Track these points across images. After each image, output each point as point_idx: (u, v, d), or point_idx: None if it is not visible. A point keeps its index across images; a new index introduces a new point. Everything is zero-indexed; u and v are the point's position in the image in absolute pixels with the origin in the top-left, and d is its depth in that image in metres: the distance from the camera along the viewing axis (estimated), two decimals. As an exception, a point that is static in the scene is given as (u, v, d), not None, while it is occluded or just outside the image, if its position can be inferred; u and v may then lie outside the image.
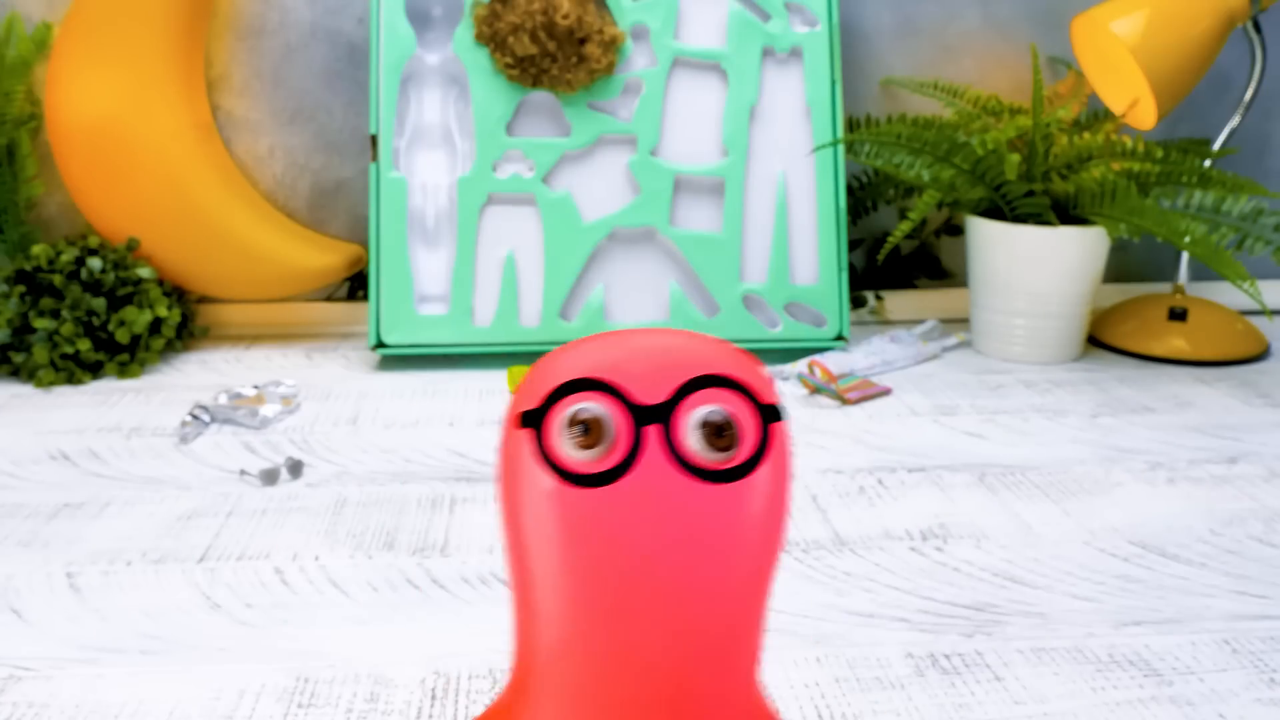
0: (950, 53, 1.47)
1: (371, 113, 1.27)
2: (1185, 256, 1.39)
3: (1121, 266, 1.56)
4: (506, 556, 0.43)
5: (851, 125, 1.45)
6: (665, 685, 0.41)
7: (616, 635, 0.40)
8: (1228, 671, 0.66)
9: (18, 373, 1.22)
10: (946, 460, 1.00)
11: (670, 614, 0.40)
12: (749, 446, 0.41)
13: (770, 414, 0.42)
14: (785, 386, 1.21)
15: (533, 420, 0.41)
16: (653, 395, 0.41)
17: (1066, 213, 1.27)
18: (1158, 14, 1.26)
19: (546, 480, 0.40)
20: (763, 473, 0.41)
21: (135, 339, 1.25)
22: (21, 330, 1.21)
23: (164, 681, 0.65)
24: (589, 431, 0.40)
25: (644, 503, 0.40)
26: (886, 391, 1.19)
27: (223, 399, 1.12)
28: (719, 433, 0.40)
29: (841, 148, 1.32)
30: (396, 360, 1.31)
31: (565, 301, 1.29)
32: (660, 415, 0.40)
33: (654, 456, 0.40)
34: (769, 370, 1.24)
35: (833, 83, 1.33)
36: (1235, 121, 1.36)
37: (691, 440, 0.40)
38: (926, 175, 1.26)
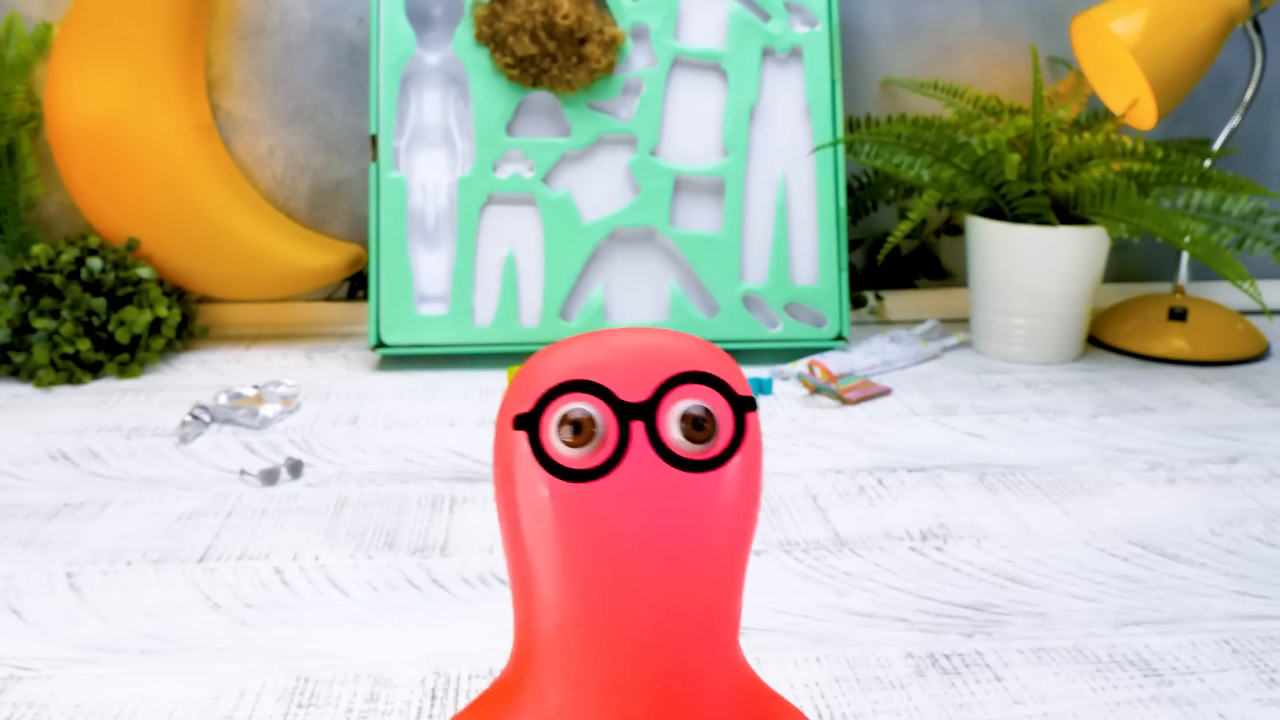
0: (950, 53, 1.47)
1: (371, 113, 1.27)
2: (1185, 256, 1.39)
3: (1121, 266, 1.56)
4: (505, 547, 0.46)
5: (851, 125, 1.45)
6: (655, 660, 0.44)
7: (610, 617, 0.44)
8: (1228, 671, 0.66)
9: (18, 373, 1.22)
10: (946, 460, 1.00)
11: (658, 595, 0.44)
12: (725, 437, 0.44)
13: (744, 405, 0.45)
14: (785, 386, 1.21)
15: (526, 422, 0.44)
16: (637, 393, 0.44)
17: (1066, 213, 1.27)
18: (1158, 14, 1.26)
19: (542, 478, 0.43)
20: (738, 460, 0.44)
21: (135, 339, 1.25)
22: (21, 330, 1.21)
23: (164, 681, 0.65)
24: (580, 430, 0.43)
25: (632, 494, 0.43)
26: (886, 391, 1.19)
27: (223, 399, 1.12)
28: (698, 425, 0.43)
29: (841, 148, 1.32)
30: (396, 360, 1.31)
31: (565, 301, 1.29)
32: (644, 411, 0.44)
33: (640, 450, 0.43)
34: (773, 368, 1.25)
35: (833, 83, 1.33)
36: (1235, 121, 1.36)
37: (673, 433, 0.43)
38: (926, 175, 1.26)
